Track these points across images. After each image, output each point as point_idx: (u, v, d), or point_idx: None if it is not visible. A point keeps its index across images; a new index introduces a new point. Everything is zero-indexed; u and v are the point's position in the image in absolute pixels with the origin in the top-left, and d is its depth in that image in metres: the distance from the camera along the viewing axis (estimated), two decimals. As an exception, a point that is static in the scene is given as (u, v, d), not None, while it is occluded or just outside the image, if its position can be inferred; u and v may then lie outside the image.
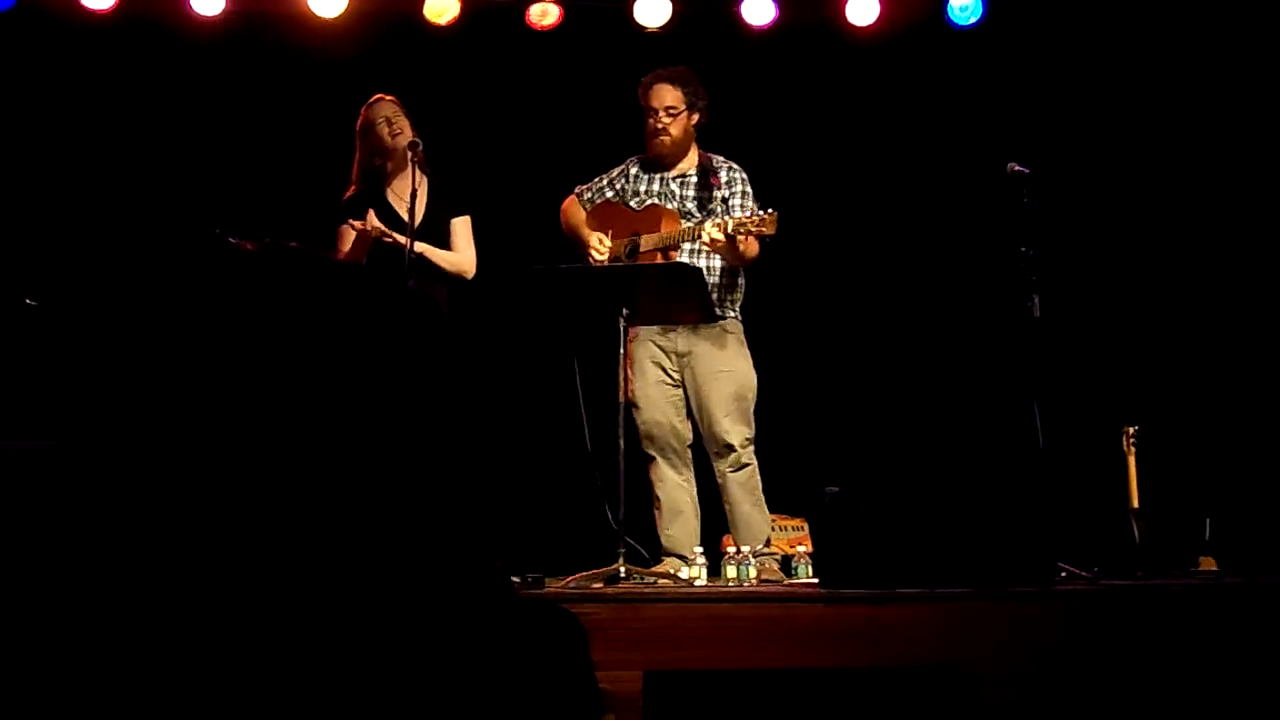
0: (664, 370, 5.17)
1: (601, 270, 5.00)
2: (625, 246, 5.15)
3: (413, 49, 6.24)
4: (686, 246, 5.09)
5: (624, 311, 4.70)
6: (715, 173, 5.22)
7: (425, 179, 5.05)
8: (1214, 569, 4.98)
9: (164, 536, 1.04)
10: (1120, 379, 6.17)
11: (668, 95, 5.19)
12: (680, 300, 4.85)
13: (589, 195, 5.38)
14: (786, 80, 6.43)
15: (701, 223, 5.04)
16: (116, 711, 1.00)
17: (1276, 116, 6.24)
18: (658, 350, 5.18)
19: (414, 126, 5.17)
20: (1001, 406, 5.45)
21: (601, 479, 4.69)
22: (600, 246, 5.16)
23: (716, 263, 5.12)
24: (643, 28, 6.27)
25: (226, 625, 1.01)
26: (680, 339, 5.15)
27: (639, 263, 5.05)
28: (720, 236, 4.87)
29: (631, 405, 5.14)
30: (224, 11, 6.09)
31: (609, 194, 5.35)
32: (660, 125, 5.18)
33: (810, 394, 6.16)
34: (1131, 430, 5.10)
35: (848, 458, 5.49)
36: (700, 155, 5.28)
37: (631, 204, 5.27)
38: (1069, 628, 3.80)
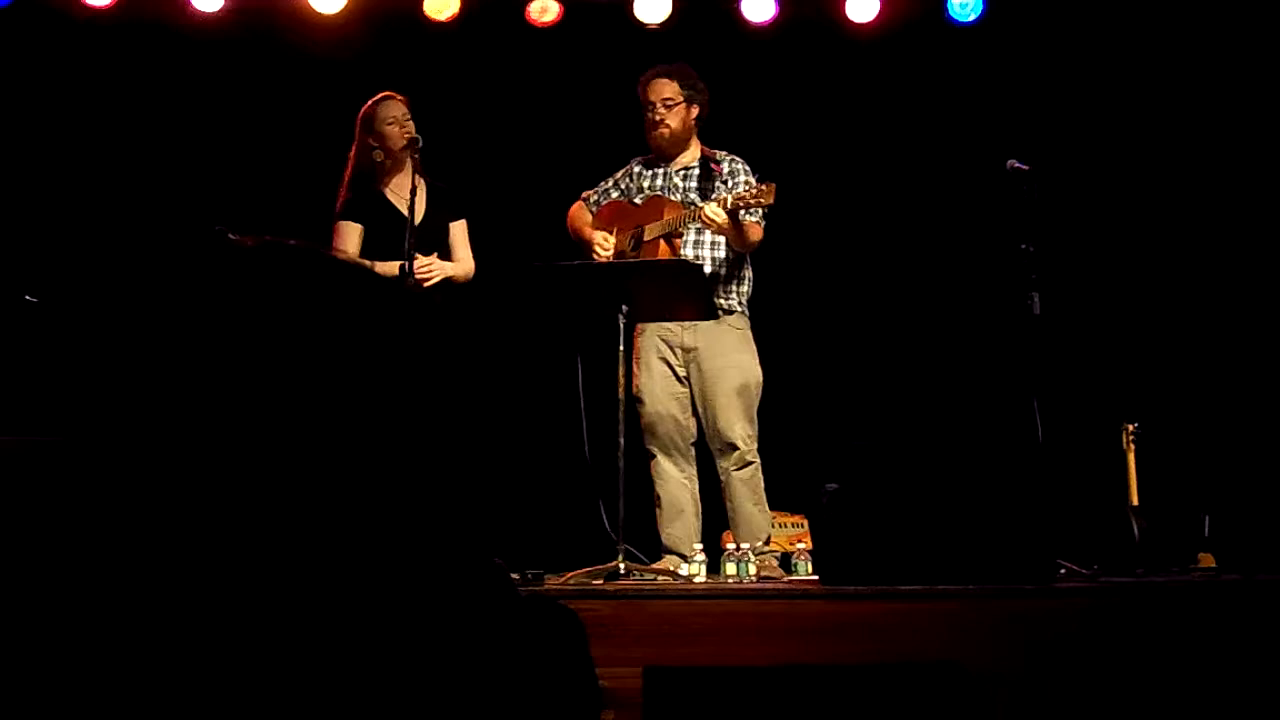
0: (669, 366, 5.17)
1: (601, 267, 5.00)
2: (630, 240, 5.16)
3: (413, 45, 6.24)
4: (691, 237, 5.09)
5: (623, 308, 4.70)
6: (718, 163, 5.23)
7: (423, 180, 5.05)
8: (1213, 566, 4.98)
9: (162, 534, 1.04)
10: (1120, 376, 6.17)
11: (665, 88, 5.21)
12: (680, 297, 4.84)
13: (595, 198, 5.41)
14: (786, 77, 6.43)
15: (702, 208, 5.04)
16: (113, 711, 1.00)
17: (1276, 111, 6.24)
18: (663, 345, 5.17)
19: (418, 129, 5.17)
20: (1001, 403, 5.45)
21: (600, 486, 4.67)
22: (605, 244, 5.18)
23: (721, 254, 5.12)
24: (643, 24, 6.27)
25: (224, 624, 1.01)
26: (686, 334, 5.15)
27: (643, 255, 5.05)
28: (721, 213, 4.86)
29: (636, 400, 5.15)
30: (224, 8, 6.09)
31: (614, 194, 5.38)
32: (658, 117, 5.20)
33: (810, 390, 6.17)
34: (1131, 427, 5.10)
35: (847, 454, 5.50)
36: (702, 149, 5.29)
37: (636, 200, 5.29)
38: (1068, 624, 3.80)
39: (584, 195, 5.44)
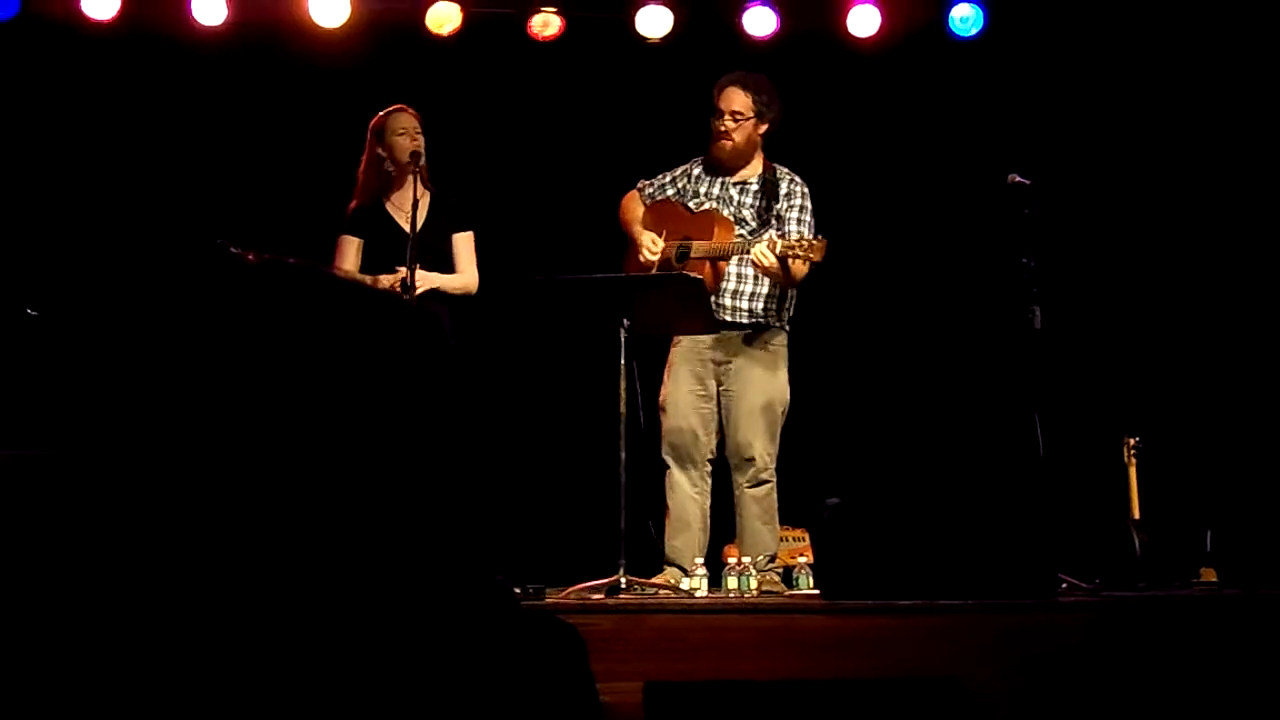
0: (700, 380, 5.15)
1: (603, 281, 4.99)
2: (675, 250, 5.13)
3: (414, 59, 6.25)
4: (735, 258, 5.08)
5: (624, 322, 4.69)
6: (776, 184, 5.20)
7: (428, 192, 5.06)
8: (1214, 580, 4.98)
9: (163, 549, 1.04)
10: (1121, 390, 6.17)
11: (737, 99, 5.14)
12: (681, 312, 4.84)
13: (650, 191, 5.33)
14: (788, 91, 6.43)
15: (755, 233, 5.04)
16: (112, 711, 1.00)
17: (1276, 127, 6.25)
18: (696, 359, 5.15)
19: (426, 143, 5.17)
20: (1002, 417, 5.45)
21: (607, 499, 4.66)
22: (653, 247, 5.12)
23: None
24: (644, 38, 6.28)
25: (225, 642, 1.01)
26: (721, 347, 5.13)
27: (688, 269, 5.01)
28: (771, 258, 4.84)
29: (660, 410, 5.14)
30: (226, 21, 6.10)
31: (669, 192, 5.31)
32: (724, 128, 5.14)
33: (812, 405, 6.16)
34: (1132, 441, 5.10)
35: (848, 468, 5.50)
36: (765, 165, 5.24)
37: (689, 204, 5.25)
38: (1069, 639, 3.79)
39: (639, 185, 5.36)
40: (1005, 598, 3.96)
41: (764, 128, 5.19)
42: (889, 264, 6.47)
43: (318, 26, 6.10)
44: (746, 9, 6.28)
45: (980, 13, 6.31)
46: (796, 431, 5.43)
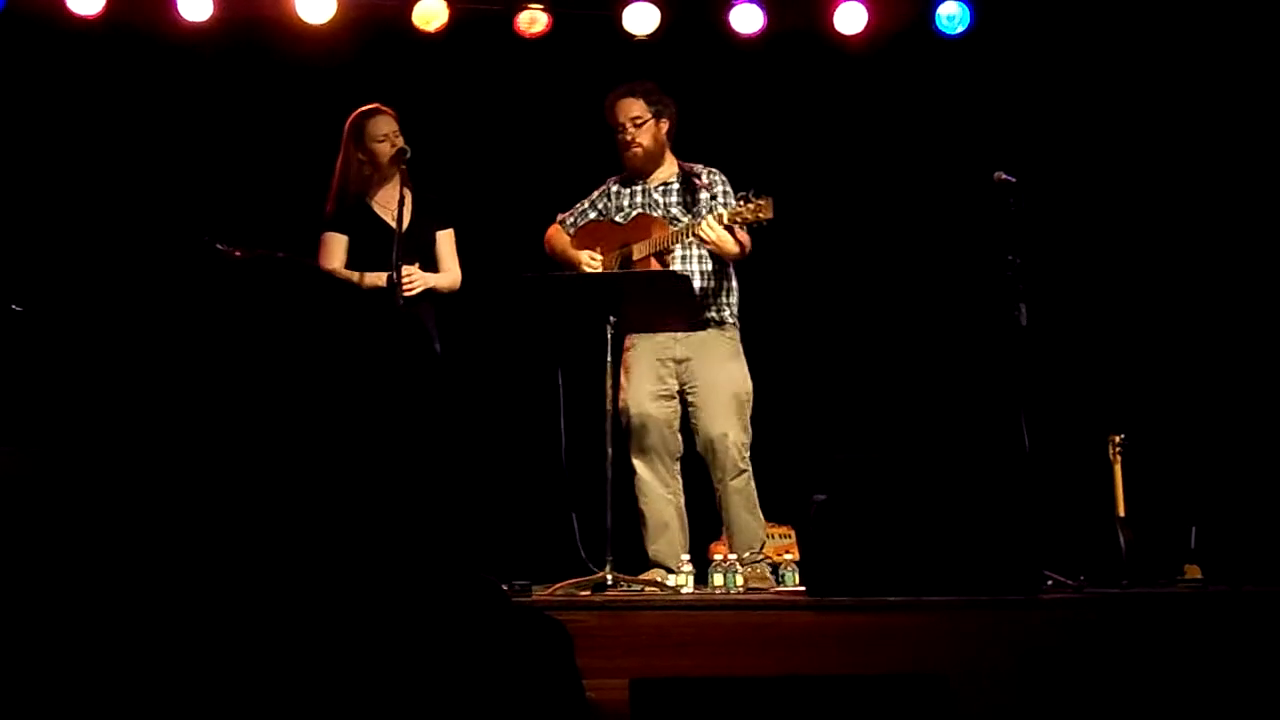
0: (661, 379, 5.17)
1: (590, 277, 5.01)
2: (617, 259, 5.20)
3: (401, 56, 6.24)
4: (679, 252, 5.12)
5: (611, 319, 4.70)
6: (697, 175, 5.24)
7: (410, 191, 5.05)
8: (1199, 577, 4.99)
9: (148, 539, 1.05)
10: (1106, 387, 6.18)
11: (632, 107, 5.24)
12: (667, 308, 4.85)
13: (572, 220, 5.41)
14: (774, 88, 6.45)
15: (698, 225, 5.08)
16: (109, 711, 1.00)
17: (1262, 125, 6.27)
18: (656, 358, 5.17)
19: (405, 140, 5.16)
20: (988, 414, 5.46)
21: (577, 499, 4.69)
22: (592, 262, 5.19)
23: (709, 266, 5.14)
24: (631, 35, 6.29)
25: (215, 632, 1.01)
26: (679, 345, 5.15)
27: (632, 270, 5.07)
28: (717, 229, 4.89)
29: (623, 412, 5.13)
30: (212, 17, 6.08)
31: (591, 215, 5.37)
32: (630, 138, 5.23)
33: (797, 402, 6.17)
34: (1118, 438, 5.11)
35: (834, 466, 5.50)
36: (679, 164, 5.31)
37: (617, 219, 5.29)
38: (1055, 636, 3.80)
39: (559, 218, 5.45)
40: (991, 595, 3.97)
41: (665, 125, 5.27)
42: (875, 261, 6.48)
43: (304, 23, 6.09)
44: (733, 6, 6.28)
45: (967, 11, 6.32)
46: (782, 428, 5.44)
